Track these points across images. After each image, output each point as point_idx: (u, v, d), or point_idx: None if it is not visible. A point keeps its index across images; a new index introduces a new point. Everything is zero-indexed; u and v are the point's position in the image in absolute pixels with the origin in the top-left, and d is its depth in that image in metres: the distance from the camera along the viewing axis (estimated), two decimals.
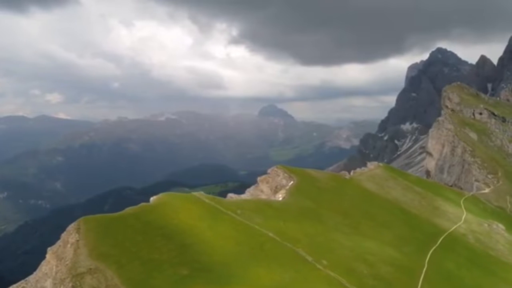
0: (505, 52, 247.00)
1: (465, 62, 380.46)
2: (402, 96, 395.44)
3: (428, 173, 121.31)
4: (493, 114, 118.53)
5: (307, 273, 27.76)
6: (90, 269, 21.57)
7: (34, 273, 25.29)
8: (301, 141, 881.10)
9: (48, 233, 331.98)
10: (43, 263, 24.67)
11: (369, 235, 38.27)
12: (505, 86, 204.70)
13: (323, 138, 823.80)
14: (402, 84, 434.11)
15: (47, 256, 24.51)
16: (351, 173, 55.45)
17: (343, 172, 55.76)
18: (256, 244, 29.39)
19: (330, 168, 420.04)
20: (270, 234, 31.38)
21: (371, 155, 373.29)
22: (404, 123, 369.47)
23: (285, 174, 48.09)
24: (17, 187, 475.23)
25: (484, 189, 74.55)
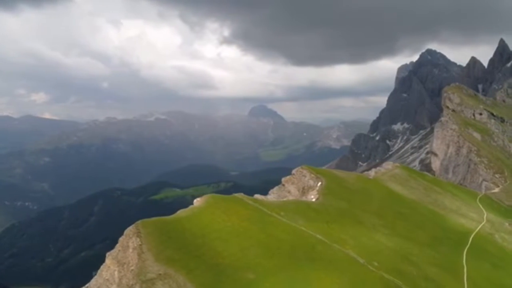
0: (495, 54, 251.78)
1: (454, 64, 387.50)
2: (393, 97, 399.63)
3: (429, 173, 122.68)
4: (492, 114, 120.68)
5: (364, 276, 27.46)
6: (160, 274, 20.80)
7: (94, 278, 24.27)
8: (291, 141, 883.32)
9: (36, 235, 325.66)
10: (102, 268, 23.71)
11: (406, 235, 38.23)
12: (497, 87, 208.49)
13: (313, 138, 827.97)
14: (391, 85, 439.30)
15: (107, 261, 23.53)
16: (372, 172, 55.47)
17: (366, 172, 55.76)
18: (308, 247, 28.96)
19: (323, 167, 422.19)
20: (318, 236, 31.00)
21: (363, 155, 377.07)
22: (395, 123, 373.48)
23: (312, 175, 47.74)
24: (3, 188, 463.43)
25: (494, 189, 75.65)
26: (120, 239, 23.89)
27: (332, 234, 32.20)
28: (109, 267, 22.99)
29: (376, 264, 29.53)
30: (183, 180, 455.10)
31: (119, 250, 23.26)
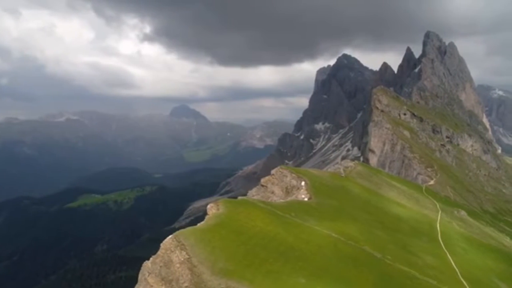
0: (403, 60, 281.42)
1: (366, 68, 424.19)
2: (314, 98, 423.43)
3: None
4: (414, 114, 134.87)
5: (386, 269, 28.52)
6: None
7: None
8: (216, 141, 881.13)
9: None
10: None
11: (394, 228, 40.72)
12: (407, 90, 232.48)
13: (237, 138, 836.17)
14: (310, 87, 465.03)
15: (149, 279, 20.58)
16: (341, 170, 57.91)
17: (336, 170, 57.97)
18: (332, 246, 29.13)
19: (250, 167, 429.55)
20: (334, 235, 31.36)
21: (289, 154, 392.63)
22: (318, 123, 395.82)
23: (293, 175, 48.09)
24: None
25: (430, 181, 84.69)
26: (159, 253, 21.22)
27: (343, 231, 32.84)
28: (151, 285, 20.27)
29: (389, 257, 30.93)
30: (102, 185, 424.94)
31: (160, 267, 20.66)
